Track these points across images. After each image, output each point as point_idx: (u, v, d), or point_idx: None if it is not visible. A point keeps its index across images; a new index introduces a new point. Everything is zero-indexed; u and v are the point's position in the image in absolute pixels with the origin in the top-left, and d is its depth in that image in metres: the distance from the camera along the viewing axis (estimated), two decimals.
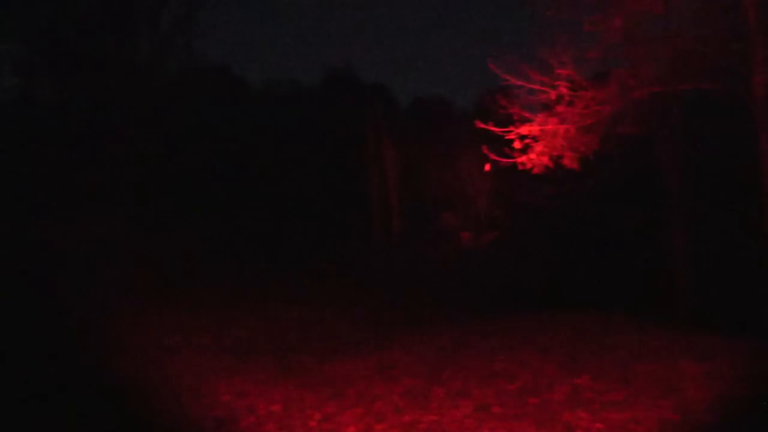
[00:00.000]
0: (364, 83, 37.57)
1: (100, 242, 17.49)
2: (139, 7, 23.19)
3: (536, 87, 11.45)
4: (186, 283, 17.44)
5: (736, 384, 7.42)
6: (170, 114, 22.97)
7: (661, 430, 5.98)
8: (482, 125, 11.28)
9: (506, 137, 11.16)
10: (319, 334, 12.08)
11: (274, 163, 29.04)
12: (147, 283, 15.85)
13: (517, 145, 11.11)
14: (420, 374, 8.51)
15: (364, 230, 30.11)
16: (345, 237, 27.51)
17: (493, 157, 11.39)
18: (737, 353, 9.19)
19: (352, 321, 13.97)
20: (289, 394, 7.72)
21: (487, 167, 11.49)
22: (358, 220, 30.09)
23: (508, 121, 11.39)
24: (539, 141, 11.09)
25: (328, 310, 15.39)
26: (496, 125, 11.23)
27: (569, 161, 11.23)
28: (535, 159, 11.15)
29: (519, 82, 11.55)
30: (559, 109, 11.16)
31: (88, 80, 21.26)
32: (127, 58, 22.86)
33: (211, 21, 41.55)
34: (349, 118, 32.09)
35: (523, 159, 11.23)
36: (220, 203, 25.19)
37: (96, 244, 17.33)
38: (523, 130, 11.07)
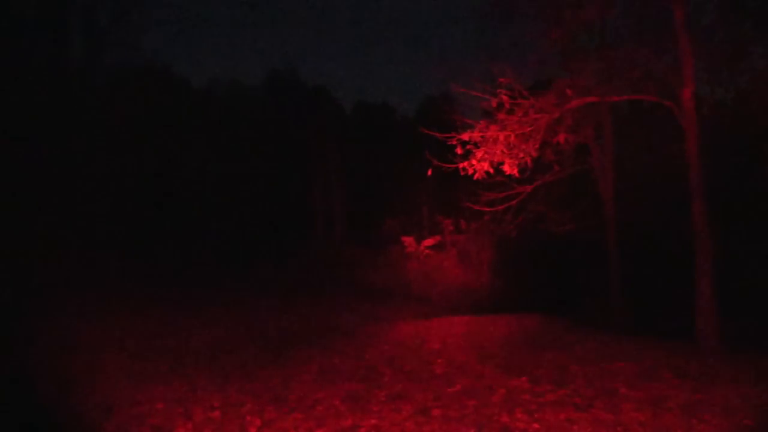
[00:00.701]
0: (308, 85, 37.40)
1: (30, 244, 16.78)
2: (75, 1, 22.36)
3: (478, 94, 11.68)
4: (121, 287, 16.93)
5: (667, 383, 7.72)
6: (107, 112, 22.24)
7: (596, 430, 6.16)
8: (425, 131, 11.43)
9: (448, 143, 11.33)
10: (258, 339, 11.89)
11: (215, 166, 28.51)
12: (78, 287, 15.29)
13: (458, 150, 11.30)
14: (360, 378, 8.50)
15: (305, 235, 29.89)
16: (286, 242, 27.21)
17: (435, 162, 11.54)
18: (669, 354, 9.57)
19: (291, 326, 13.81)
20: (228, 400, 7.58)
21: (429, 172, 11.62)
22: (300, 224, 29.88)
23: (450, 127, 11.56)
24: (480, 147, 11.30)
25: (266, 315, 15.18)
26: (439, 131, 11.39)
27: (509, 167, 11.47)
28: (476, 165, 11.36)
29: (461, 90, 11.77)
30: (500, 116, 11.41)
31: (17, 77, 20.35)
32: (61, 55, 22.01)
33: (152, 19, 40.21)
34: (292, 119, 31.87)
35: (464, 164, 11.43)
36: (157, 206, 24.55)
37: (27, 246, 16.62)
38: (465, 136, 11.27)
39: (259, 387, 8.20)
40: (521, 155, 11.46)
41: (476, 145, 11.31)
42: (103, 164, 21.48)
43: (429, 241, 26.52)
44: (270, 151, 30.61)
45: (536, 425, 6.32)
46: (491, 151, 11.24)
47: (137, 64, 25.17)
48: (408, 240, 27.46)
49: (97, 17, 22.69)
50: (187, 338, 11.62)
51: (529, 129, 11.28)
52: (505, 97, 11.28)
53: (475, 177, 11.55)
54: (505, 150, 11.26)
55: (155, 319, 13.52)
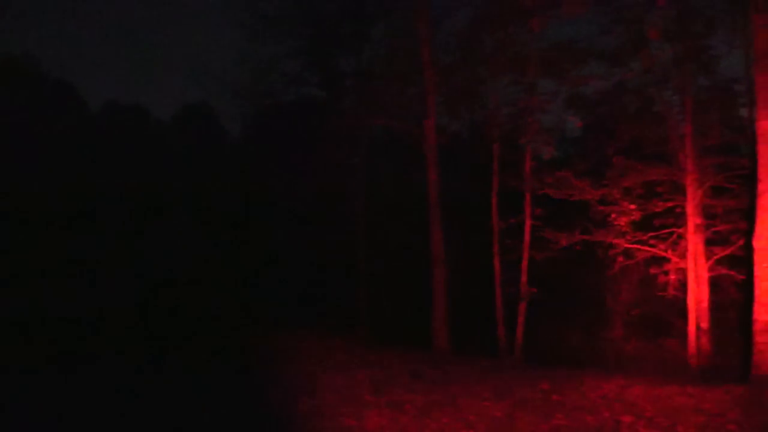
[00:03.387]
0: (47, 77, 33.38)
1: None
2: None
3: (243, 104, 11.65)
4: None
5: (406, 388, 8.38)
6: None
7: None
8: (181, 138, 11.05)
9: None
10: None
11: None
12: None
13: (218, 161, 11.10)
14: None
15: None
16: None
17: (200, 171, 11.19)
18: (409, 361, 10.40)
19: None
20: None
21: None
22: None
23: (211, 136, 11.34)
24: None
25: None
26: (198, 139, 11.10)
27: None
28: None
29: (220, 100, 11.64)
30: None
31: None
32: None
33: None
34: (21, 116, 28.26)
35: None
36: None
37: None
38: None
39: None
40: None
41: None
42: None
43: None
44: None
45: None
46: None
47: None
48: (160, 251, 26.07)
49: None
50: None
51: None
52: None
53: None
54: None
55: None
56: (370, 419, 6.96)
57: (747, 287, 8.88)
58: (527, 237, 14.35)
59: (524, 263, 14.38)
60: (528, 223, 14.34)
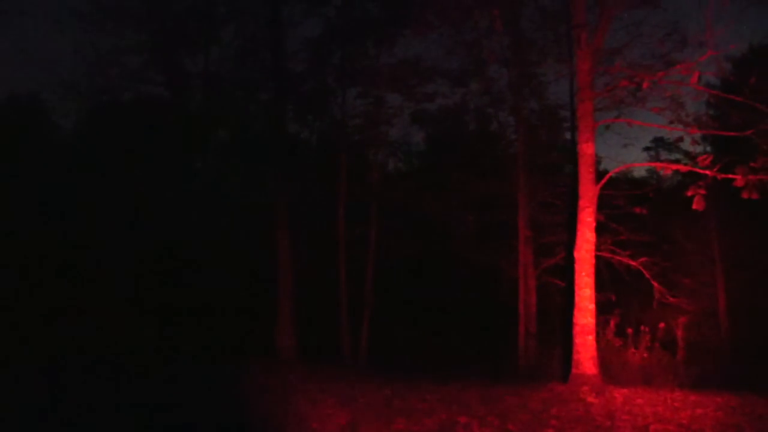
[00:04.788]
0: None
1: None
2: None
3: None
4: None
5: (250, 397, 8.20)
6: None
7: None
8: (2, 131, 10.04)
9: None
10: None
11: None
12: None
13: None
14: None
15: None
16: None
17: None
18: (252, 370, 10.18)
19: None
20: None
21: None
22: None
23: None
24: None
25: None
26: (20, 132, 10.15)
27: None
28: None
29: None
30: None
31: None
32: None
33: None
34: None
35: None
36: None
37: None
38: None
39: None
40: None
41: None
42: None
43: None
44: None
45: None
46: None
47: None
48: None
49: None
50: None
51: None
52: None
53: None
54: None
55: None
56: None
57: (569, 294, 9.70)
58: (373, 246, 14.69)
59: (369, 271, 14.71)
60: (374, 232, 14.69)
